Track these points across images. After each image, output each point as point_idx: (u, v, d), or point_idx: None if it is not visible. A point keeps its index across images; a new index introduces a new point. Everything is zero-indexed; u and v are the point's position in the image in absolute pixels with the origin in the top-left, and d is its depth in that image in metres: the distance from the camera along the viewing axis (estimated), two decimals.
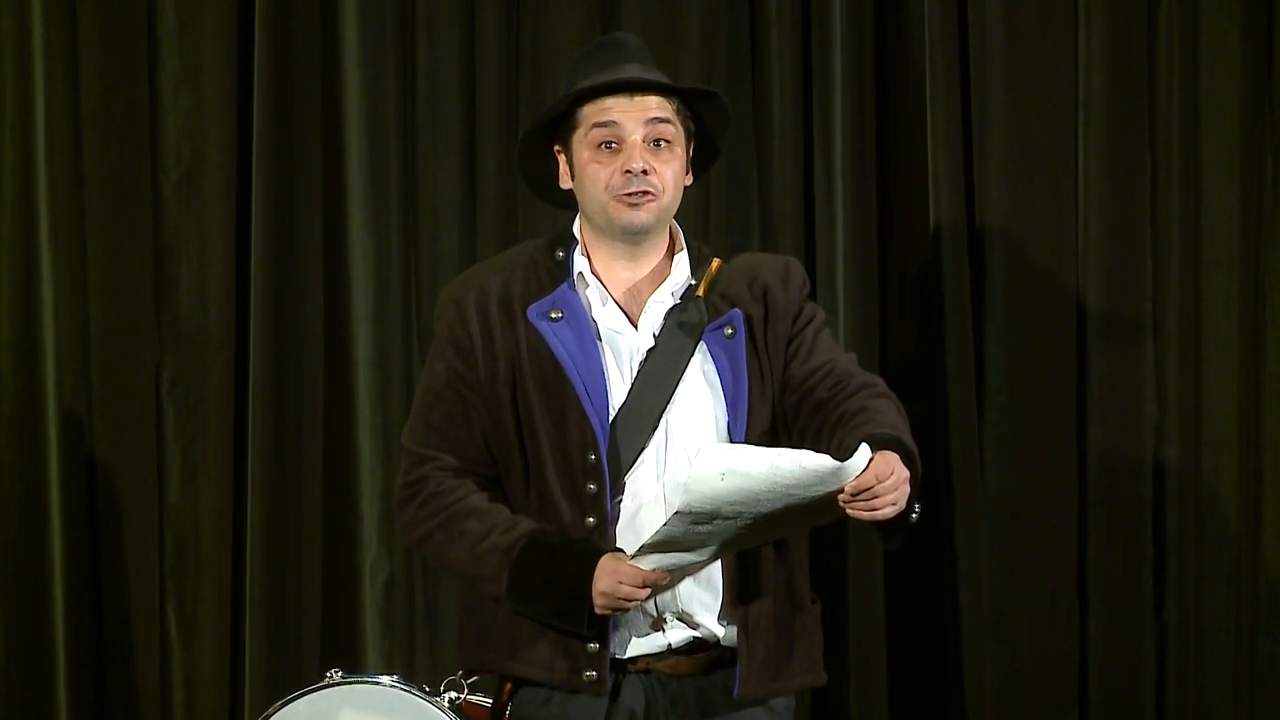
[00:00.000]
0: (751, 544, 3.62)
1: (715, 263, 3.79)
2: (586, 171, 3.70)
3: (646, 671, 3.70)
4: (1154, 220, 5.53)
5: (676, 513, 3.44)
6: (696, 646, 3.70)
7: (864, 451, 3.44)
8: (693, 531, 3.48)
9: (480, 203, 5.33)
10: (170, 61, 5.21)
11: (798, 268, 3.84)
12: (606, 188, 3.68)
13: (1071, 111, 5.51)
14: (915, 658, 5.49)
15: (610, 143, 3.68)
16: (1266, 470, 5.56)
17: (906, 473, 3.50)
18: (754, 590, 3.70)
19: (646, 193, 3.68)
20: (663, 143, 3.70)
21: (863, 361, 3.93)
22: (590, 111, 3.68)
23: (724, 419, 3.70)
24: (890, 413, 3.65)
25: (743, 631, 3.68)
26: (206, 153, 5.22)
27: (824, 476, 3.41)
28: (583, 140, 3.70)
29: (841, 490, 3.45)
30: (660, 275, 3.76)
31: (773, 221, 5.41)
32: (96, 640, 5.19)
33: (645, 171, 3.67)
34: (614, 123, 3.67)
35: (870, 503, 3.46)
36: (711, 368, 3.72)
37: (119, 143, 5.19)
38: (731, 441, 3.67)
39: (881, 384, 3.75)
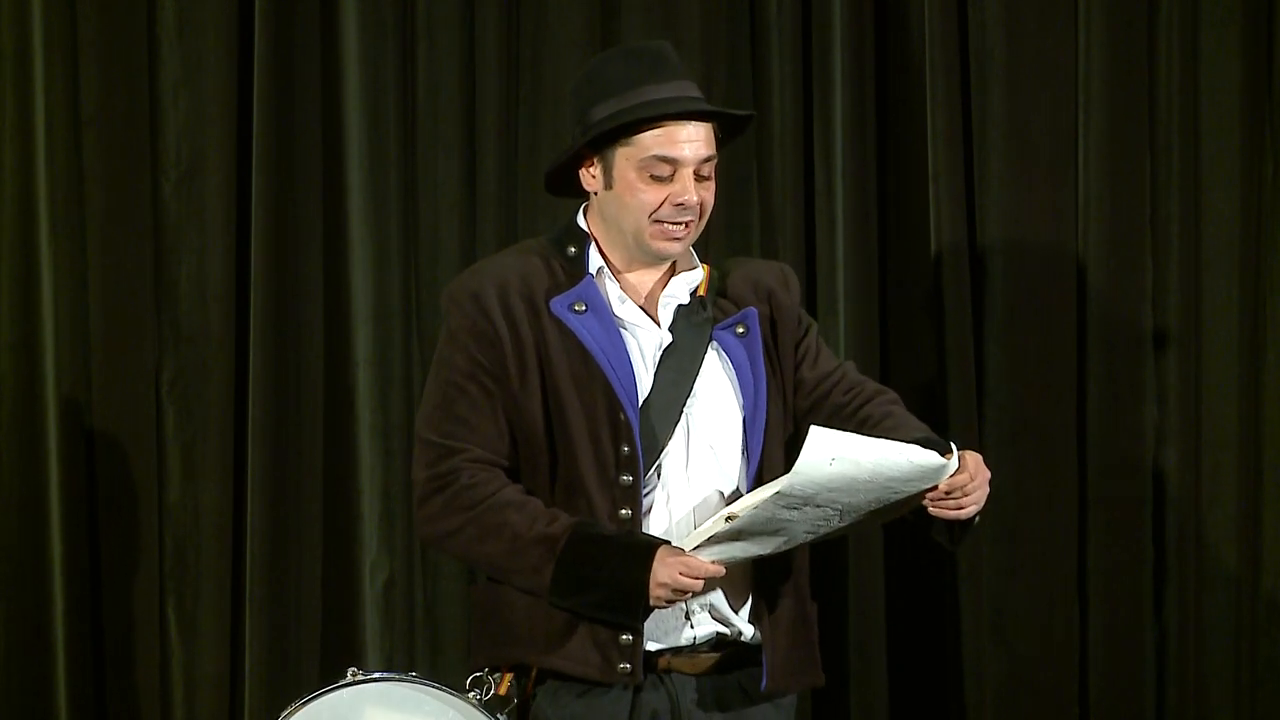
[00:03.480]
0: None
1: (705, 268, 3.81)
2: (632, 193, 3.67)
3: (669, 671, 3.71)
4: (1154, 220, 5.53)
5: (775, 493, 3.44)
6: (718, 643, 3.72)
7: (956, 451, 3.49)
8: (776, 518, 3.49)
9: (480, 203, 5.33)
10: (170, 61, 5.21)
11: (793, 274, 3.89)
12: (653, 215, 3.68)
13: (1071, 111, 5.51)
14: (915, 658, 5.49)
15: (662, 172, 3.68)
16: (1266, 470, 5.57)
17: (989, 473, 3.57)
18: (774, 588, 3.73)
19: (688, 223, 3.68)
20: (707, 169, 3.71)
21: (863, 362, 3.96)
22: (645, 138, 3.66)
23: (742, 414, 3.72)
24: (914, 419, 3.71)
25: (766, 627, 3.71)
26: (206, 153, 5.21)
27: (927, 473, 3.48)
28: (631, 160, 3.67)
29: (933, 488, 3.49)
30: (669, 274, 3.78)
31: (773, 221, 5.41)
32: (96, 640, 5.19)
33: (696, 202, 3.68)
34: (677, 160, 3.65)
35: (960, 501, 3.51)
36: (728, 364, 3.75)
37: (119, 143, 5.19)
38: (749, 437, 3.70)
39: (890, 391, 3.80)
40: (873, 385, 3.80)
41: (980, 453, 5.39)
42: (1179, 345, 5.52)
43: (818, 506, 3.47)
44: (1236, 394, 5.55)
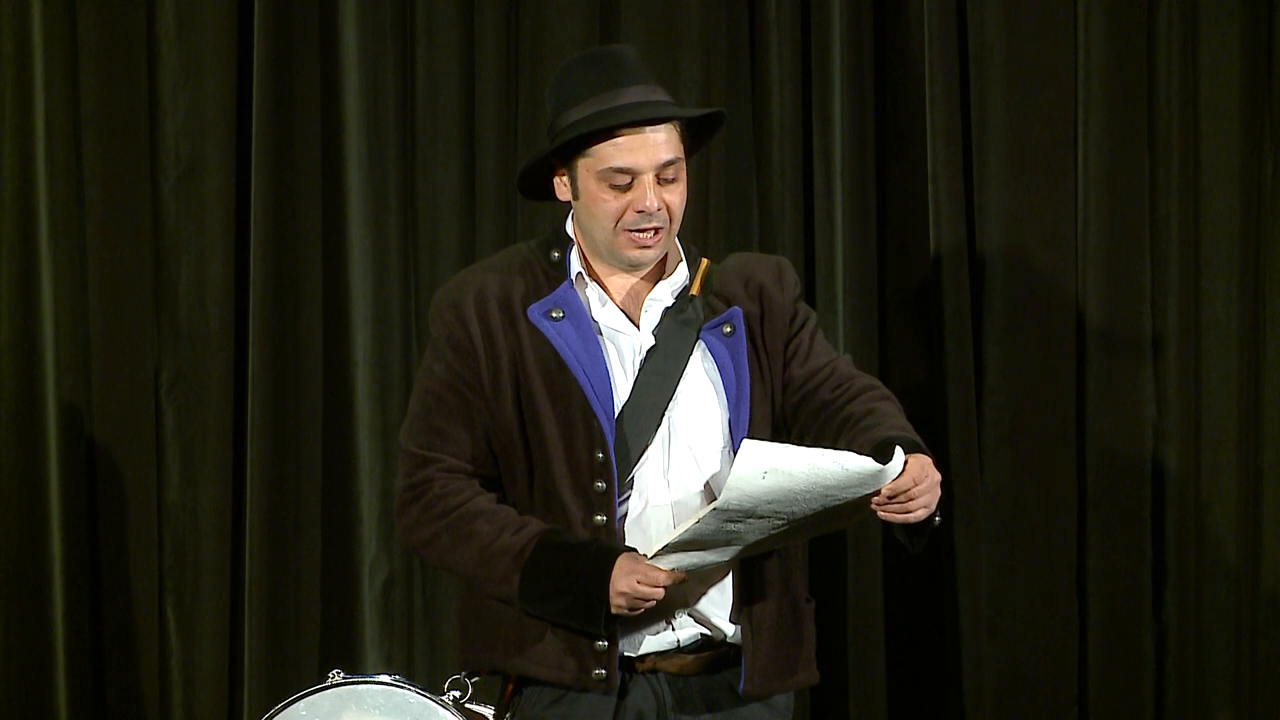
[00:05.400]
0: (774, 546, 3.62)
1: (704, 263, 3.80)
2: (596, 204, 3.66)
3: (653, 671, 3.71)
4: (1153, 220, 5.54)
5: (713, 509, 3.44)
6: (703, 645, 3.72)
7: (899, 455, 3.46)
8: (723, 530, 3.48)
9: (480, 203, 5.34)
10: (170, 61, 5.21)
11: (790, 268, 3.85)
12: (617, 223, 3.67)
13: (1071, 111, 5.51)
14: (915, 658, 5.49)
15: (620, 181, 3.67)
16: (1266, 470, 5.57)
17: (939, 476, 3.53)
18: (759, 588, 3.71)
19: (658, 229, 3.68)
20: (671, 172, 3.69)
21: (862, 362, 3.94)
22: (601, 149, 3.65)
23: (726, 416, 3.71)
24: (898, 415, 3.67)
25: (748, 628, 3.69)
26: (206, 153, 5.22)
27: (864, 478, 3.43)
28: (590, 171, 3.67)
29: (877, 493, 3.47)
30: (655, 275, 3.77)
31: (773, 221, 5.41)
32: (96, 640, 5.19)
33: (657, 209, 3.67)
34: (632, 169, 3.65)
35: (905, 505, 3.49)
36: (712, 365, 3.73)
37: (119, 143, 5.19)
38: (734, 438, 3.68)
39: (882, 386, 3.77)
40: (862, 381, 3.76)
41: (980, 453, 5.47)
42: (1178, 345, 5.52)
43: (761, 517, 3.46)
44: (1236, 393, 5.55)
